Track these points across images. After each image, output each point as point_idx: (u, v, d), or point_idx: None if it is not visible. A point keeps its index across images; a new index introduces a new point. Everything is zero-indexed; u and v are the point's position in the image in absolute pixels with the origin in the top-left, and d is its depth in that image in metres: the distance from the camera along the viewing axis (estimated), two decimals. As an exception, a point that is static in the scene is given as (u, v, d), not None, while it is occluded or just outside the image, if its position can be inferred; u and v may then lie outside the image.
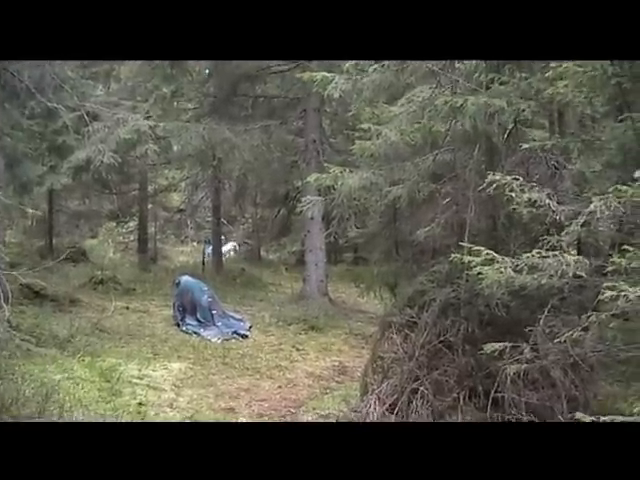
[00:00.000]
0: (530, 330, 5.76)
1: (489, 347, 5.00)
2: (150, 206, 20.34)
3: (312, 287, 14.26)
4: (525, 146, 5.71)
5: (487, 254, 4.49)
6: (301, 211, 7.79)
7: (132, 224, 21.89)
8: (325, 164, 7.61)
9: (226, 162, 14.94)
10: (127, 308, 12.60)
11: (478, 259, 4.51)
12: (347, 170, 6.85)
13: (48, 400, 5.87)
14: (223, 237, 21.26)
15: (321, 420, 7.07)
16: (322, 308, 13.22)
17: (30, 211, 20.10)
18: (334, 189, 7.23)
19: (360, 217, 12.03)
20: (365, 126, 6.74)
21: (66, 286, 12.92)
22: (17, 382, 6.47)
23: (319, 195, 8.81)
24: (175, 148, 16.17)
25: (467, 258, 4.67)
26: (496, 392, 6.14)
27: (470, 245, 4.79)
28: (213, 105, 14.80)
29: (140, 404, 7.01)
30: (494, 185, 4.79)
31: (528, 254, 4.34)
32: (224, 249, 21.96)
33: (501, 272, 4.39)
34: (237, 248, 23.45)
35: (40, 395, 5.96)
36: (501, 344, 4.96)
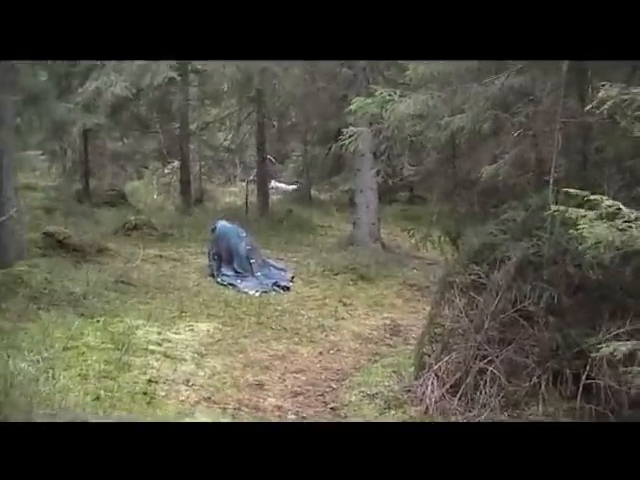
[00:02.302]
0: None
1: (607, 350, 3.52)
2: (192, 146, 19.15)
3: (363, 231, 12.96)
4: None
5: (609, 206, 3.07)
6: (343, 145, 6.39)
7: (177, 164, 20.83)
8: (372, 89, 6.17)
9: (267, 95, 13.58)
10: (160, 256, 11.51)
11: (593, 213, 3.10)
12: (398, 94, 5.43)
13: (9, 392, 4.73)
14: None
15: (367, 401, 5.87)
16: (373, 255, 11.93)
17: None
18: (382, 118, 5.86)
19: (415, 152, 10.61)
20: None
21: (95, 233, 11.86)
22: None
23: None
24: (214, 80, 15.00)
25: (576, 212, 3.24)
26: (588, 378, 4.80)
27: (578, 192, 3.32)
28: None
29: (150, 381, 5.88)
30: (608, 104, 3.33)
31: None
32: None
33: (622, 230, 3.00)
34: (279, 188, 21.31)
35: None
36: (631, 343, 3.49)
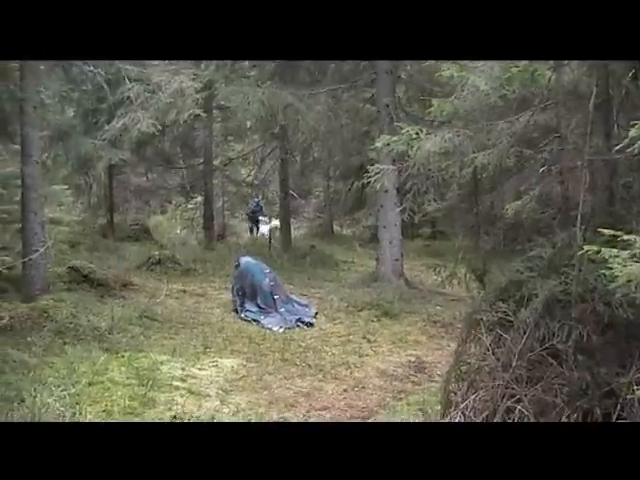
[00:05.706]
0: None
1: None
2: (215, 181, 19.33)
3: (386, 267, 12.92)
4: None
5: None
6: (369, 182, 6.41)
7: (200, 199, 21.00)
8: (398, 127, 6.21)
9: (291, 131, 13.72)
10: (184, 291, 11.60)
11: (626, 253, 3.08)
12: (424, 131, 5.46)
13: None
14: (265, 216, 19.55)
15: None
16: (397, 291, 11.88)
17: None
18: (408, 156, 5.88)
19: (437, 188, 10.62)
20: (447, 74, 5.27)
21: (119, 268, 11.95)
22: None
23: (394, 164, 7.50)
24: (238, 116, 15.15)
25: (608, 252, 3.21)
26: (619, 418, 4.71)
27: (610, 232, 3.31)
28: (276, 69, 13.52)
29: (175, 417, 5.88)
30: (639, 143, 3.33)
31: None
32: (264, 230, 19.92)
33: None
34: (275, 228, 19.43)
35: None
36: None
